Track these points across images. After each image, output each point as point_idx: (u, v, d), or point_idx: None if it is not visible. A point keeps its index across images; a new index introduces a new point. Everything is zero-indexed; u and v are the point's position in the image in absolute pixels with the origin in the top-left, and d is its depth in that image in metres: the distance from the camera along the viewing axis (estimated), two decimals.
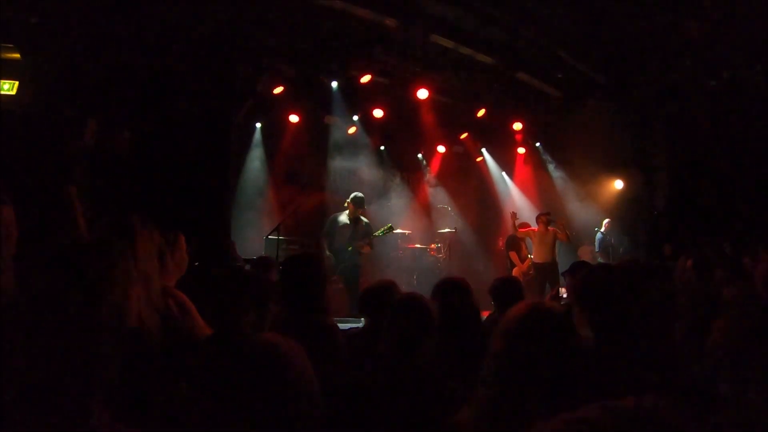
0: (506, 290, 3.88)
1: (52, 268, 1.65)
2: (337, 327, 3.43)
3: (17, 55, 5.83)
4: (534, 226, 10.20)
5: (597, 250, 10.98)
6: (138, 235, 2.59)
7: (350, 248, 8.07)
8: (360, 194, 8.37)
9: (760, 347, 1.61)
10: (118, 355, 1.64)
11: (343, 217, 8.23)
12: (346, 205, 8.30)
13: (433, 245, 11.08)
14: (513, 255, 10.39)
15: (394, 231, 10.56)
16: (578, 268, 4.15)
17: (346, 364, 3.17)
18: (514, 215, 10.04)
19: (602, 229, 11.05)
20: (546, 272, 9.70)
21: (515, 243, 10.45)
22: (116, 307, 1.70)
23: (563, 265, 10.47)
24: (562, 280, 6.83)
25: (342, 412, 2.44)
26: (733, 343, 1.69)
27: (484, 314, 4.34)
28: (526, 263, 10.30)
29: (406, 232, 11.07)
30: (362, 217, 8.29)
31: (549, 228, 9.88)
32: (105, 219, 2.62)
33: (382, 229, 8.74)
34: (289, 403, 1.51)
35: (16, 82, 5.90)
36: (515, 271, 10.11)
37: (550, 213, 10.14)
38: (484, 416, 1.71)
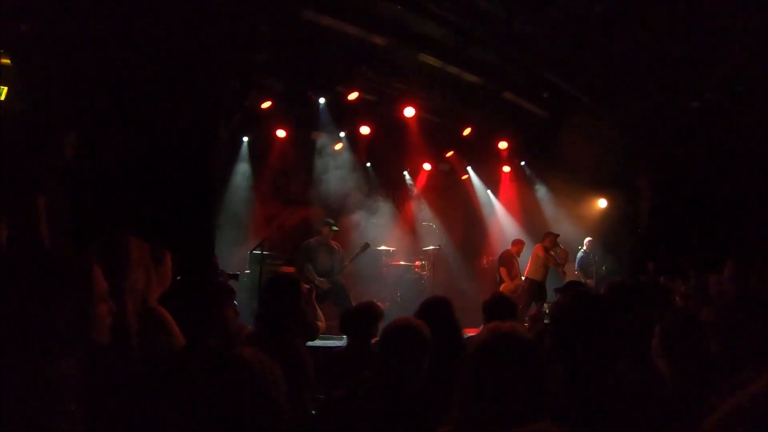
0: (497, 308, 3.88)
1: (9, 276, 1.66)
2: (305, 348, 3.45)
3: (8, 61, 5.80)
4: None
5: (576, 268, 11.04)
6: (130, 249, 2.59)
7: (334, 279, 8.18)
8: (329, 219, 8.61)
9: None
10: (78, 367, 1.64)
11: (316, 243, 8.33)
12: (321, 229, 8.39)
13: (417, 262, 11.08)
14: (503, 271, 10.36)
15: (379, 248, 10.59)
16: (570, 288, 4.15)
17: (313, 384, 3.21)
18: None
19: (584, 248, 11.12)
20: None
21: (508, 260, 10.44)
22: (73, 321, 1.69)
23: (548, 284, 10.55)
24: (551, 296, 6.86)
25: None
26: None
27: (469, 332, 4.36)
28: (515, 281, 10.29)
29: (391, 249, 11.06)
30: (332, 242, 8.40)
31: (551, 252, 10.05)
32: (94, 233, 2.60)
33: (359, 250, 8.88)
34: (260, 415, 1.52)
35: (5, 88, 5.86)
36: (503, 287, 10.09)
37: (558, 236, 10.31)
38: None
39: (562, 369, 2.21)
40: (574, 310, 2.28)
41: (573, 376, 2.19)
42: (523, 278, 10.25)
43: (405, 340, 2.56)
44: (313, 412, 2.92)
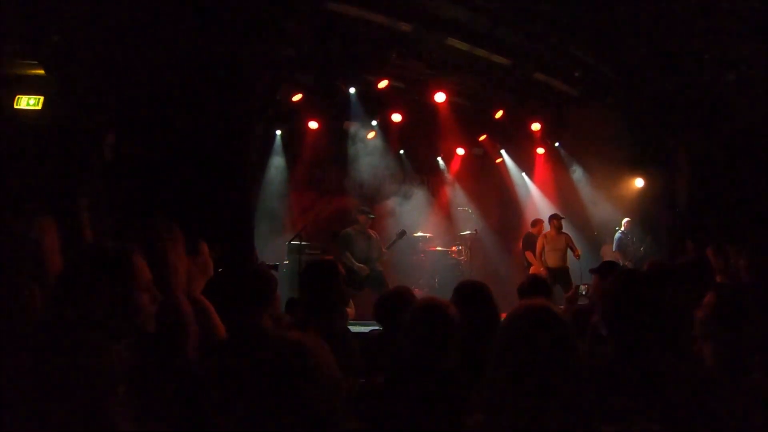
0: (532, 290, 3.90)
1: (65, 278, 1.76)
2: (350, 332, 3.51)
3: (42, 71, 6.03)
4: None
5: (614, 249, 10.87)
6: (165, 240, 2.68)
7: (372, 266, 8.28)
8: (365, 207, 8.73)
9: None
10: (132, 358, 1.73)
11: (353, 232, 8.40)
12: (357, 218, 8.47)
13: (454, 247, 11.09)
14: (529, 254, 10.33)
15: (415, 234, 10.65)
16: (607, 268, 4.11)
17: (359, 368, 3.25)
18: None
19: (622, 228, 10.95)
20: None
21: (531, 242, 10.38)
22: (116, 310, 1.79)
23: (587, 266, 10.43)
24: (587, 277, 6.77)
25: (365, 418, 2.48)
26: None
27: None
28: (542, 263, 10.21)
29: (427, 235, 11.11)
30: (369, 231, 8.48)
31: (561, 233, 9.90)
32: (132, 224, 2.71)
33: (396, 237, 8.94)
34: (318, 399, 1.52)
35: (41, 98, 6.11)
36: (533, 270, 10.02)
37: (562, 217, 10.11)
38: (492, 418, 1.73)
39: (613, 348, 2.22)
40: (626, 289, 2.29)
41: (623, 355, 2.19)
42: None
43: (431, 320, 2.53)
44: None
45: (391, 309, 3.90)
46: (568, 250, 9.95)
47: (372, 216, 8.55)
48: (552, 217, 10.11)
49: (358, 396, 2.75)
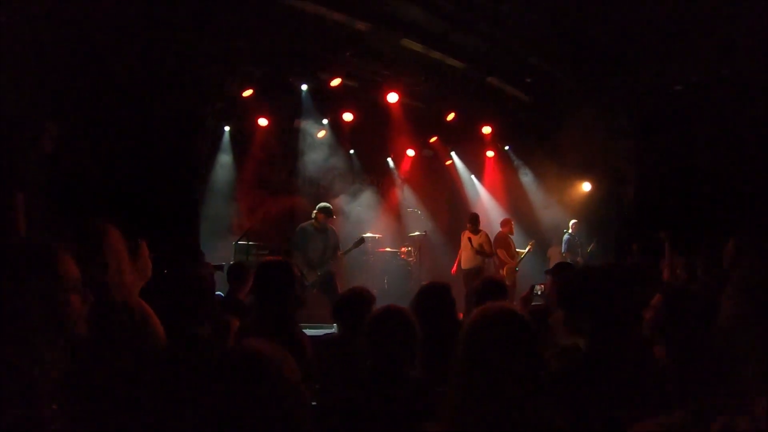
0: (488, 292, 3.85)
1: None
2: (306, 336, 3.38)
3: None
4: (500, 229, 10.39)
5: (564, 250, 11.12)
6: (104, 240, 2.52)
7: (324, 267, 8.01)
8: (327, 204, 8.28)
9: None
10: (59, 360, 1.59)
11: (312, 228, 8.07)
12: (314, 215, 8.12)
13: (403, 248, 11.06)
14: (501, 253, 10.31)
15: (364, 235, 10.55)
16: (561, 269, 4.14)
17: (315, 373, 3.14)
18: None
19: (569, 230, 11.20)
20: (470, 278, 9.34)
21: (504, 240, 10.41)
22: (52, 312, 1.64)
23: (533, 266, 10.61)
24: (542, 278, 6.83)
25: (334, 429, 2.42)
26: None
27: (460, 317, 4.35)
28: (515, 260, 10.33)
29: (377, 236, 11.04)
30: (330, 226, 8.19)
31: (478, 232, 9.86)
32: (72, 223, 2.52)
33: (353, 245, 8.79)
34: (280, 410, 1.46)
35: None
36: (506, 268, 10.10)
37: (476, 218, 10.07)
38: (453, 419, 1.72)
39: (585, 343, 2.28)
40: (588, 285, 2.36)
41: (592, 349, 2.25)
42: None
43: (391, 326, 2.52)
44: (314, 403, 2.88)
45: (351, 310, 3.83)
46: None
47: (333, 216, 8.29)
48: (468, 218, 10.11)
49: (324, 407, 2.66)
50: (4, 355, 1.53)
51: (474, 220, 9.98)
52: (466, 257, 9.92)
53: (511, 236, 10.50)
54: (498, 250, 10.31)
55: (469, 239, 9.82)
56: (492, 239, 10.23)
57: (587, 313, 2.34)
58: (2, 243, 1.97)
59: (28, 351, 1.56)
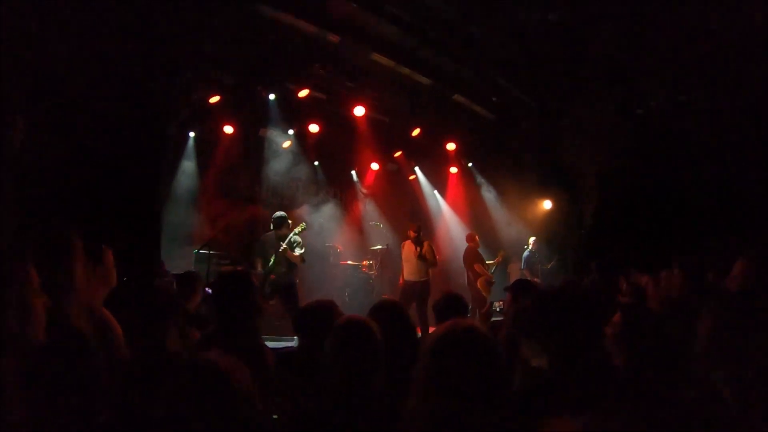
0: (450, 308, 3.88)
1: None
2: (267, 348, 3.36)
3: None
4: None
5: (523, 267, 11.30)
6: (62, 245, 2.46)
7: (273, 259, 7.76)
8: (281, 214, 8.08)
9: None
10: (21, 371, 1.56)
11: (273, 237, 7.96)
12: (272, 225, 8.02)
13: (365, 261, 11.06)
14: (478, 267, 10.23)
15: (327, 245, 10.52)
16: (520, 288, 4.17)
17: (276, 385, 3.11)
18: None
19: (529, 247, 11.39)
20: (415, 292, 8.73)
21: (477, 255, 10.41)
22: (13, 321, 1.61)
23: (495, 281, 10.72)
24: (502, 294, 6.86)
25: None
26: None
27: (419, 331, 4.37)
28: (487, 273, 10.32)
29: (338, 248, 11.02)
30: (291, 235, 8.00)
31: (416, 246, 8.91)
32: (33, 227, 2.46)
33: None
34: (235, 422, 1.48)
35: None
36: (481, 282, 10.05)
37: (420, 228, 9.13)
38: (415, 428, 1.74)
39: (552, 357, 2.30)
40: (544, 312, 2.39)
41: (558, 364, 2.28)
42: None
43: (355, 339, 2.51)
44: (275, 416, 2.85)
45: (315, 321, 3.79)
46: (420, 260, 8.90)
47: (281, 229, 8.11)
48: (411, 227, 9.19)
49: (290, 421, 2.63)
50: None
51: (418, 230, 9.05)
52: (411, 269, 8.99)
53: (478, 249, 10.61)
54: (475, 265, 10.35)
55: (418, 249, 8.90)
56: (464, 255, 10.30)
57: (546, 339, 2.37)
58: None
59: None
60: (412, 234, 9.02)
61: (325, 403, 2.44)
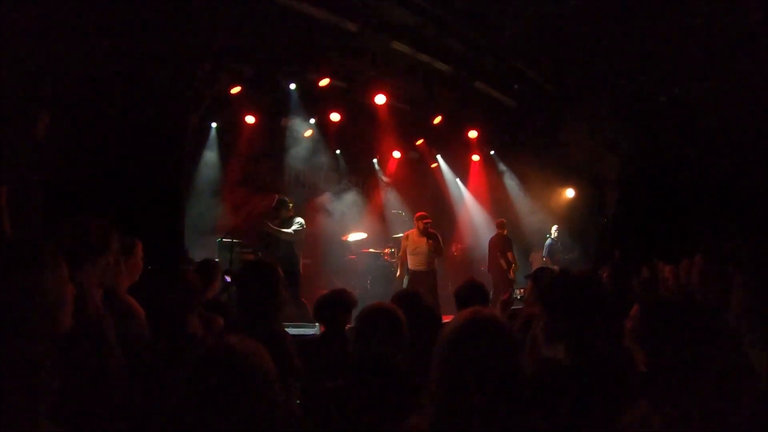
0: (471, 295, 3.91)
1: None
2: (288, 334, 3.42)
3: None
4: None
5: (545, 255, 11.25)
6: (109, 241, 2.55)
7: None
8: (279, 198, 8.26)
9: None
10: (52, 357, 1.61)
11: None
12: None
13: (387, 249, 11.09)
14: (510, 255, 10.37)
15: (348, 239, 10.61)
16: (541, 275, 4.18)
17: (298, 371, 3.18)
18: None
19: (552, 235, 11.33)
20: (424, 282, 8.40)
21: (507, 242, 10.49)
22: (47, 309, 1.66)
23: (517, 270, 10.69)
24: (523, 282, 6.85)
25: (319, 423, 2.49)
26: None
27: (445, 318, 4.41)
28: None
29: (363, 235, 11.07)
30: (293, 219, 8.12)
31: (424, 236, 8.65)
32: (69, 220, 2.54)
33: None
34: (255, 405, 1.51)
35: None
36: (513, 271, 10.19)
37: (429, 219, 8.83)
38: (433, 422, 1.75)
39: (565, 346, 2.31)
40: (569, 288, 2.40)
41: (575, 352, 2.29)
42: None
43: (380, 323, 2.61)
44: (297, 401, 2.91)
45: (333, 310, 3.90)
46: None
47: (281, 212, 8.22)
48: (417, 218, 8.90)
49: (314, 398, 2.72)
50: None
51: (429, 224, 8.79)
52: (420, 260, 8.70)
53: None
54: (508, 253, 10.34)
55: (429, 238, 8.64)
56: (494, 241, 10.38)
57: (568, 316, 2.37)
58: None
59: (23, 345, 1.57)
60: (421, 226, 8.73)
61: (346, 383, 2.52)
